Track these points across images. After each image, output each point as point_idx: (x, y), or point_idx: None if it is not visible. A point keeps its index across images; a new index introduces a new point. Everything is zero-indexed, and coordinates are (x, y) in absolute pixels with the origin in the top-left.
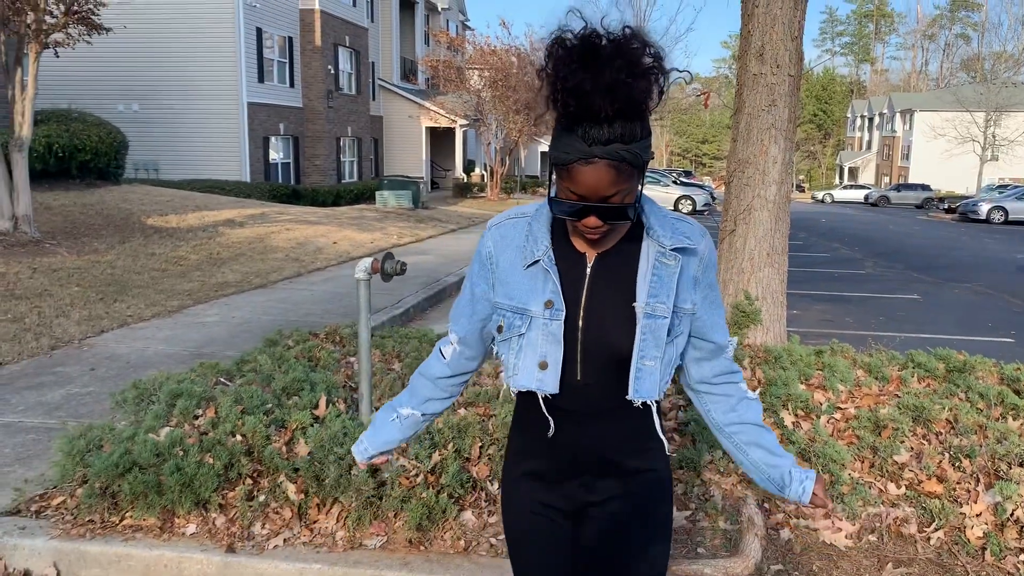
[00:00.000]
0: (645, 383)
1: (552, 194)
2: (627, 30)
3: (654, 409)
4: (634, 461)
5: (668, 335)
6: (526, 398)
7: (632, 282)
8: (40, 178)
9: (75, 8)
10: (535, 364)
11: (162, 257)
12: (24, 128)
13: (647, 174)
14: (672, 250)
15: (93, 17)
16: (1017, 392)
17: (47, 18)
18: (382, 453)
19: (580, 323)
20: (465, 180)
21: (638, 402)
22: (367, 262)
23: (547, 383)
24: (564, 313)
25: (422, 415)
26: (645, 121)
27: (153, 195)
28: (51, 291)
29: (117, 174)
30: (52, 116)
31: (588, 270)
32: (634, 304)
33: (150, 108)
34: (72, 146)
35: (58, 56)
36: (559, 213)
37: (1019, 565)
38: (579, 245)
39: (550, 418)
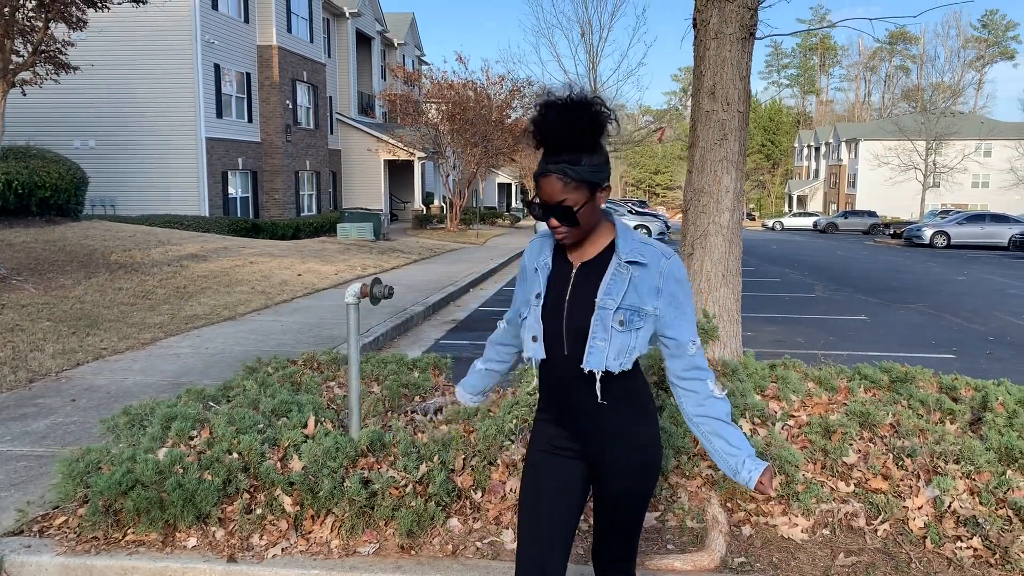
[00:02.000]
0: (594, 357)
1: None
2: (577, 94)
3: (597, 377)
4: (610, 418)
5: (621, 325)
6: (539, 368)
7: (598, 284)
8: (0, 215)
9: (42, 48)
10: (531, 338)
11: (130, 291)
12: None
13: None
14: (626, 262)
15: (61, 56)
16: (954, 399)
17: (14, 57)
18: (475, 395)
19: (565, 311)
20: (424, 212)
21: (588, 370)
22: (356, 287)
23: (537, 352)
24: (542, 302)
25: (487, 369)
26: (590, 151)
27: (114, 231)
28: (22, 326)
29: (77, 210)
30: (10, 152)
31: (572, 274)
32: (594, 299)
33: (108, 144)
34: (32, 183)
35: (25, 95)
36: (533, 215)
37: (955, 551)
38: (571, 257)
39: (543, 380)
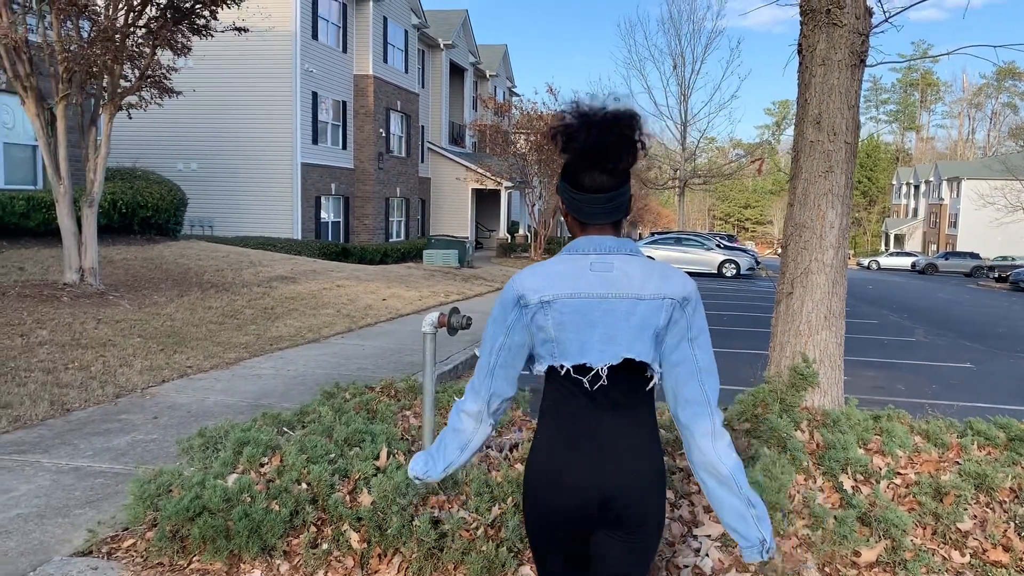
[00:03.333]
0: None
1: None
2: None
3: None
4: None
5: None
6: None
7: None
8: (103, 233)
9: (149, 73)
10: None
11: (219, 311)
12: (95, 186)
13: (692, 237)
14: None
15: (165, 81)
16: None
17: (122, 82)
18: None
19: None
20: (509, 240)
21: None
22: (434, 316)
23: None
24: None
25: None
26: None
27: (209, 251)
28: (115, 341)
29: (176, 230)
30: (117, 174)
31: None
32: None
33: (208, 167)
34: (135, 203)
35: (131, 118)
36: None
37: None
38: None
39: None
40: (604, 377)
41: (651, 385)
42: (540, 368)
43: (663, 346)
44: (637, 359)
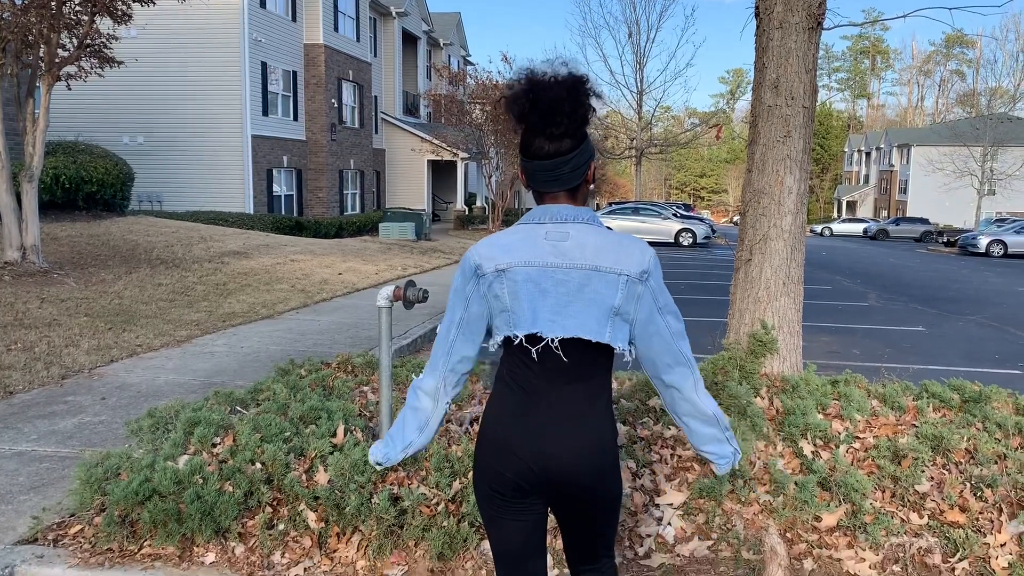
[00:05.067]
0: None
1: None
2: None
3: None
4: None
5: None
6: None
7: None
8: (47, 209)
9: (88, 42)
10: None
11: (169, 288)
12: (35, 160)
13: (649, 207)
14: None
15: (106, 51)
16: None
17: (60, 51)
18: None
19: None
20: (467, 212)
21: None
22: (389, 289)
23: None
24: None
25: None
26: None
27: (158, 226)
28: (60, 321)
29: (123, 205)
30: (59, 148)
31: None
32: None
33: (155, 140)
34: (79, 177)
35: (70, 89)
36: None
37: None
38: None
39: None
40: (558, 349)
41: (606, 359)
42: (497, 339)
43: (635, 324)
44: (590, 339)
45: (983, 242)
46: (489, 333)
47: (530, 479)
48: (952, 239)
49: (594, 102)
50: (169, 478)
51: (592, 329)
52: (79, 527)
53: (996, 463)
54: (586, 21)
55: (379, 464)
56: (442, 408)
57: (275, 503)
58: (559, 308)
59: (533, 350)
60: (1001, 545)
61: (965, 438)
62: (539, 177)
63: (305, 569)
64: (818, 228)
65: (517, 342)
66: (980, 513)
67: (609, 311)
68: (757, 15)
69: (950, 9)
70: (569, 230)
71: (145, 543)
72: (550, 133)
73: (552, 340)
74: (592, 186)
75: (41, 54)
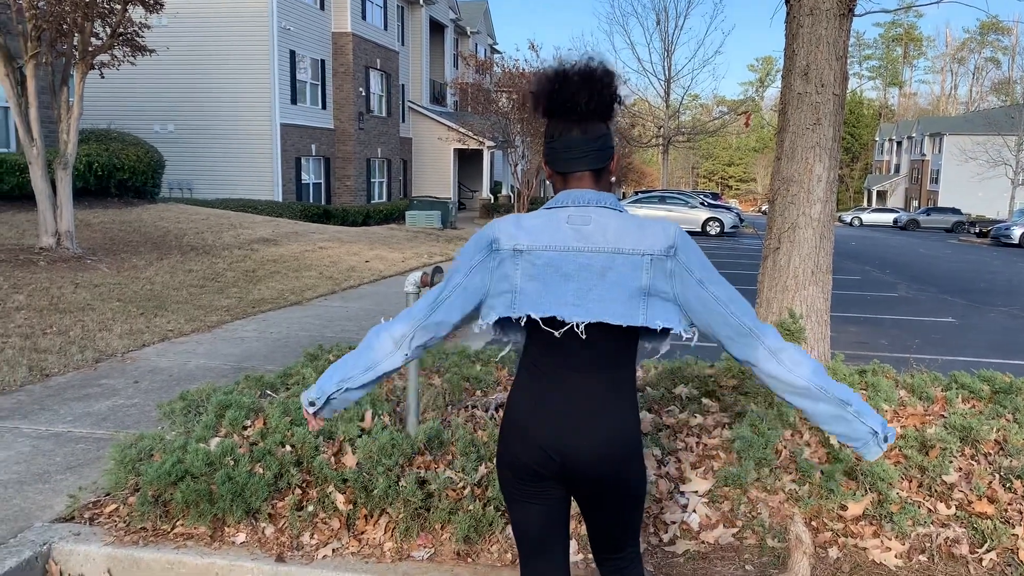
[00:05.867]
0: None
1: None
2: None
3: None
4: None
5: None
6: None
7: None
8: (80, 196)
9: (120, 30)
10: None
11: (199, 274)
12: (69, 147)
13: (676, 196)
14: None
15: (138, 39)
16: None
17: (93, 40)
18: None
19: None
20: (492, 201)
21: None
22: (416, 276)
23: None
24: None
25: None
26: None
27: (189, 213)
28: (93, 305)
29: (154, 193)
30: (92, 135)
31: None
32: None
33: (185, 128)
34: (111, 165)
35: (103, 77)
36: None
37: None
38: None
39: None
40: (583, 334)
41: (630, 347)
42: (488, 319)
43: (684, 304)
44: (612, 323)
45: (1017, 233)
46: (477, 314)
47: (548, 466)
48: (984, 229)
49: (621, 90)
50: (201, 459)
51: (618, 313)
52: (114, 506)
53: None
54: (614, 8)
55: (311, 405)
56: (398, 358)
57: (304, 485)
58: (583, 292)
59: (556, 333)
60: None
61: (995, 429)
62: (565, 156)
63: (333, 550)
64: (848, 217)
65: (534, 324)
66: (1009, 504)
67: (638, 293)
68: (787, 1)
69: None
70: (592, 214)
71: (178, 523)
72: (578, 109)
73: (578, 325)
74: (614, 178)
75: (75, 43)
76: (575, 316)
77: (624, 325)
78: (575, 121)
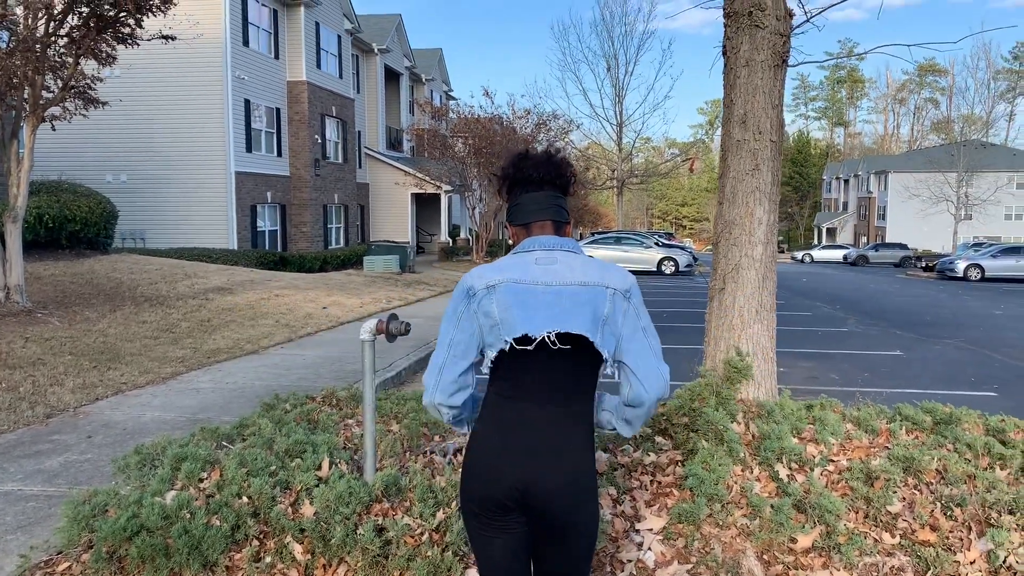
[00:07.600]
0: None
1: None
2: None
3: None
4: None
5: None
6: None
7: None
8: (30, 248)
9: (72, 84)
10: None
11: (154, 325)
12: (19, 200)
13: (632, 236)
14: None
15: (90, 92)
16: (1003, 442)
17: (44, 93)
18: None
19: None
20: (451, 244)
21: None
22: (371, 323)
23: None
24: None
25: None
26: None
27: (142, 264)
28: (44, 360)
29: (107, 243)
30: (43, 187)
31: None
32: None
33: (139, 178)
34: (62, 216)
35: (54, 129)
36: None
37: None
38: None
39: None
40: (554, 344)
41: (591, 376)
42: (491, 355)
43: (620, 339)
44: (578, 332)
45: (961, 266)
46: (482, 357)
47: (513, 497)
48: (931, 264)
49: (574, 176)
50: (157, 513)
51: (585, 327)
52: (67, 564)
53: (965, 483)
54: (565, 56)
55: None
56: (470, 383)
57: (262, 536)
58: (554, 313)
59: (529, 348)
60: (971, 563)
61: (936, 459)
62: (529, 208)
63: None
64: (799, 255)
65: (508, 348)
66: (950, 532)
67: (599, 318)
68: (725, 54)
69: (908, 46)
70: (557, 256)
71: None
72: (541, 174)
73: (549, 334)
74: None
75: (26, 96)
76: (545, 327)
77: (588, 337)
78: (538, 186)
